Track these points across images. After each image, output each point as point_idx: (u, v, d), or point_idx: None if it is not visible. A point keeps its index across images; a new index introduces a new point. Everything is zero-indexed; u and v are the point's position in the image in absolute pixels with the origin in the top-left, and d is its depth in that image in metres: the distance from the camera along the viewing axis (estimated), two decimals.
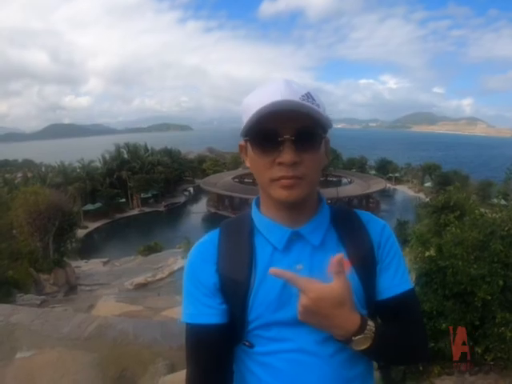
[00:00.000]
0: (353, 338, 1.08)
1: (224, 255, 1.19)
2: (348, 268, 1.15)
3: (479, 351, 4.46)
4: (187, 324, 1.17)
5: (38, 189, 20.13)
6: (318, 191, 1.26)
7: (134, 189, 55.84)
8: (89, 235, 42.73)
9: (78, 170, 53.85)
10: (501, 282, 4.30)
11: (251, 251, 1.18)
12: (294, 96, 1.05)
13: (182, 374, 5.46)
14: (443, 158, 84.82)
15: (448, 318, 4.47)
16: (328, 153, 1.23)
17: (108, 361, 5.96)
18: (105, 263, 22.46)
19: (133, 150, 62.66)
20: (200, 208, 60.79)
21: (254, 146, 1.12)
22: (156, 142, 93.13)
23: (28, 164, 51.58)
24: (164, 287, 15.72)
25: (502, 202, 52.18)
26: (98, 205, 49.96)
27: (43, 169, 52.16)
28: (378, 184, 60.93)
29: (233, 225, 1.27)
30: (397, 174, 79.80)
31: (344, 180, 71.02)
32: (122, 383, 5.48)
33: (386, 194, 65.68)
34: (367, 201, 58.36)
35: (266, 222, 1.21)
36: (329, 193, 55.97)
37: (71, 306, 11.59)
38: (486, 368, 4.71)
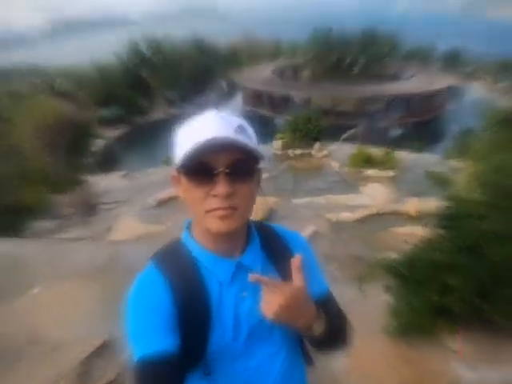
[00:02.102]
0: (313, 324, 1.40)
1: (177, 289, 1.35)
2: None
3: (487, 310, 4.67)
4: (143, 357, 1.24)
5: (42, 100, 20.19)
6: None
7: (157, 89, 55.13)
8: (108, 145, 42.77)
9: (90, 72, 52.59)
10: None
11: (202, 285, 1.37)
12: (228, 128, 1.25)
13: None
14: None
15: (458, 273, 4.62)
16: (260, 182, 1.44)
17: (120, 292, 6.31)
18: (124, 176, 22.55)
19: (153, 43, 61.34)
20: (235, 107, 59.09)
21: (188, 179, 1.32)
22: (182, 30, 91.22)
23: (33, 71, 51.05)
24: (165, 207, 15.82)
25: None
26: (115, 110, 49.11)
27: (51, 74, 51.51)
28: (444, 80, 58.61)
29: (170, 259, 1.44)
30: (468, 69, 76.91)
31: (404, 74, 67.71)
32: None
33: (454, 92, 63.75)
34: (431, 99, 56.01)
35: (206, 254, 1.42)
36: (386, 89, 54.45)
37: (88, 229, 12.04)
38: (495, 328, 4.93)
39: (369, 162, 20.37)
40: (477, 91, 69.08)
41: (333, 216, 13.32)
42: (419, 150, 27.53)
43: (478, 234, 4.60)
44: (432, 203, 15.08)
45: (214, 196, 1.28)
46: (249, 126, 1.38)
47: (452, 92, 62.31)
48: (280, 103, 54.27)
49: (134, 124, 50.65)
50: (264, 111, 53.81)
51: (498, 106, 25.78)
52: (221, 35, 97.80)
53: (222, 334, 1.37)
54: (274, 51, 78.32)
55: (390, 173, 20.04)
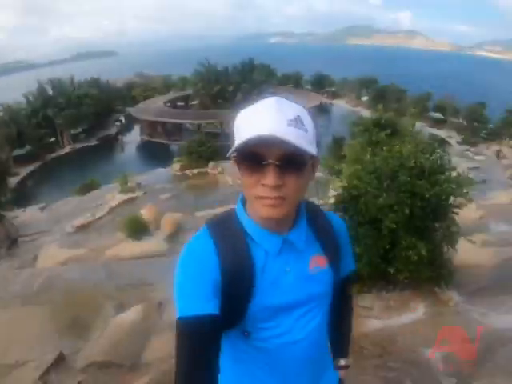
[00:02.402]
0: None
1: (225, 253, 1.30)
2: (325, 264, 1.46)
3: (392, 271, 5.13)
4: (187, 317, 1.21)
5: None
6: None
7: (63, 126, 53.58)
8: (22, 182, 41.43)
9: (1, 114, 50.87)
10: (407, 211, 4.82)
11: (249, 255, 1.33)
12: (282, 121, 1.16)
13: (130, 313, 5.98)
14: (380, 72, 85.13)
15: (361, 243, 5.11)
16: (315, 170, 1.36)
17: (60, 310, 6.44)
18: (42, 209, 21.90)
19: (57, 84, 59.60)
20: (133, 137, 59.64)
21: (241, 166, 1.24)
22: (82, 72, 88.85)
23: None
24: (105, 225, 15.79)
25: (439, 115, 54.32)
26: (27, 148, 47.87)
27: None
28: (313, 99, 60.82)
29: (222, 227, 1.38)
30: (333, 89, 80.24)
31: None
32: (77, 329, 5.90)
33: (322, 109, 66.15)
34: None
35: (256, 228, 1.35)
36: None
37: (15, 261, 11.63)
38: (400, 286, 5.46)
39: None
40: (343, 106, 72.11)
41: None
42: None
43: (375, 209, 5.07)
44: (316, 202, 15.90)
45: (263, 185, 1.20)
46: (307, 114, 1.27)
47: (321, 109, 64.74)
48: (174, 131, 54.73)
49: (44, 160, 49.17)
50: (160, 139, 53.68)
51: (363, 116, 27.04)
52: (117, 74, 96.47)
53: (260, 300, 1.33)
54: (165, 85, 78.31)
55: None
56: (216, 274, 1.26)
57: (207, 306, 1.21)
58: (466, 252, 5.88)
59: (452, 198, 5.20)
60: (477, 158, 36.50)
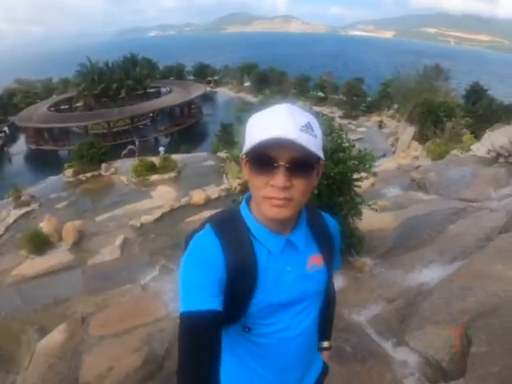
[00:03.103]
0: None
1: (230, 252, 1.34)
2: (321, 263, 1.54)
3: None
4: (191, 312, 1.24)
5: None
6: None
7: None
8: None
9: None
10: (315, 191, 5.06)
11: (253, 253, 1.38)
12: (295, 126, 1.22)
13: (54, 335, 5.85)
14: (260, 57, 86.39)
15: None
16: (320, 174, 1.42)
17: None
18: None
19: None
20: (20, 147, 56.00)
21: (252, 166, 1.29)
22: None
23: None
24: (5, 245, 14.95)
25: (320, 93, 56.34)
26: None
27: None
28: (198, 89, 60.94)
29: (227, 226, 1.43)
30: (216, 77, 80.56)
31: (163, 89, 69.73)
32: (4, 364, 5.66)
33: (207, 98, 66.30)
34: (189, 107, 58.47)
35: (259, 228, 1.41)
36: (150, 105, 55.15)
37: None
38: None
39: (151, 169, 20.95)
40: (226, 93, 72.55)
41: (135, 222, 13.61)
42: (188, 151, 28.75)
43: None
44: (213, 190, 16.27)
45: (272, 186, 1.26)
46: (317, 122, 1.33)
47: (206, 98, 64.88)
48: (61, 136, 52.43)
49: None
50: (47, 146, 51.04)
51: (247, 102, 27.30)
52: None
53: (262, 298, 1.40)
54: (47, 89, 74.93)
55: (172, 174, 20.98)
56: (222, 272, 1.31)
57: (212, 302, 1.25)
58: (368, 219, 6.26)
59: (356, 174, 5.55)
60: (359, 129, 38.60)
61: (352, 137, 26.71)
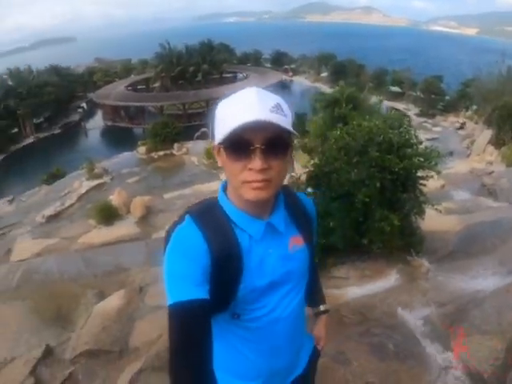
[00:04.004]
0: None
1: (213, 240, 1.36)
2: (301, 243, 1.59)
3: (365, 242, 5.28)
4: (178, 302, 1.25)
5: None
6: None
7: (25, 116, 52.15)
8: None
9: None
10: (378, 184, 4.95)
11: (235, 239, 1.40)
12: (265, 107, 1.25)
13: (112, 300, 5.98)
14: (338, 48, 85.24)
15: (335, 217, 5.22)
16: (292, 154, 1.46)
17: (42, 304, 6.33)
18: (10, 201, 21.47)
19: (16, 74, 57.86)
20: (97, 123, 58.30)
21: (228, 153, 1.31)
22: (41, 60, 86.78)
23: None
24: (75, 213, 15.52)
25: (397, 89, 54.83)
26: None
27: None
28: (274, 77, 60.83)
29: (206, 215, 1.45)
30: (293, 66, 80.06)
31: (239, 75, 70.19)
32: (61, 321, 5.83)
33: (283, 86, 66.09)
34: None
35: (239, 214, 1.44)
36: (226, 90, 55.50)
37: None
38: (374, 256, 5.59)
39: None
40: (302, 82, 72.07)
41: None
42: None
43: (348, 184, 5.16)
44: None
45: (250, 169, 1.28)
46: (284, 102, 1.37)
47: (282, 86, 64.64)
48: (136, 114, 53.84)
49: (7, 152, 47.63)
50: (123, 123, 52.86)
51: (323, 92, 26.97)
52: (77, 60, 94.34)
53: (249, 282, 1.42)
54: (126, 69, 76.96)
55: None
56: (206, 259, 1.32)
57: (198, 291, 1.26)
58: (432, 220, 6.06)
59: (421, 171, 5.35)
60: (435, 129, 37.17)
61: (427, 136, 25.91)
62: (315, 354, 1.90)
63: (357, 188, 5.09)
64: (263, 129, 1.24)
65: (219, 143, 1.32)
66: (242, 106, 1.27)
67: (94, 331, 5.24)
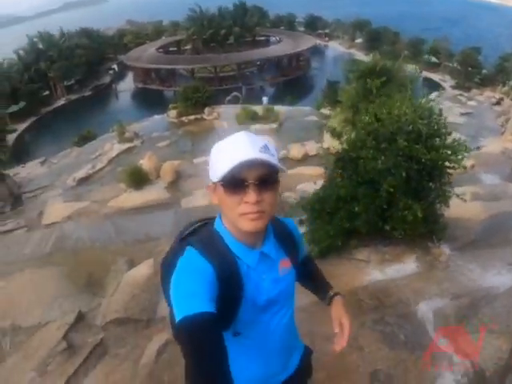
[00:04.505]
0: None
1: (217, 264, 1.52)
2: (289, 265, 1.80)
3: (388, 229, 5.31)
4: (188, 316, 1.32)
5: None
6: None
7: (56, 78, 52.58)
8: (19, 138, 40.72)
9: None
10: (404, 174, 4.95)
11: (236, 266, 1.59)
12: (255, 149, 1.45)
13: (141, 268, 6.07)
14: (373, 13, 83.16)
15: (360, 202, 5.25)
16: (279, 188, 1.63)
17: (74, 270, 6.54)
18: (42, 163, 21.66)
19: (47, 38, 58.13)
20: (127, 85, 58.65)
21: (226, 189, 1.48)
22: (71, 21, 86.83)
23: None
24: (106, 177, 15.68)
25: (433, 59, 53.38)
26: (21, 104, 46.35)
27: None
28: (307, 41, 59.43)
29: (208, 245, 1.60)
30: (327, 31, 78.61)
31: (272, 39, 68.97)
32: (92, 287, 6.02)
33: (316, 51, 65.11)
34: (297, 59, 57.44)
35: (236, 244, 1.62)
36: (258, 53, 55.13)
37: (22, 218, 11.41)
38: (395, 241, 5.62)
39: (253, 118, 20.85)
40: (336, 48, 70.91)
41: None
42: (292, 103, 28.31)
43: (374, 172, 5.18)
44: (312, 147, 15.94)
45: (246, 203, 1.47)
46: (271, 144, 1.56)
47: (315, 51, 63.74)
48: (167, 77, 53.77)
49: (39, 114, 48.28)
50: (154, 86, 52.94)
51: (357, 60, 26.51)
52: (108, 22, 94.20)
53: (248, 303, 1.59)
54: (157, 31, 76.66)
55: (273, 125, 20.55)
56: (212, 277, 1.47)
57: (206, 305, 1.35)
58: (456, 206, 5.92)
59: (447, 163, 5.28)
60: (469, 103, 35.89)
61: (461, 110, 24.69)
62: (306, 353, 2.11)
63: (382, 176, 5.13)
64: (255, 167, 1.44)
65: (219, 181, 1.48)
66: (235, 149, 1.45)
67: (123, 299, 5.37)
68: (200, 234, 1.71)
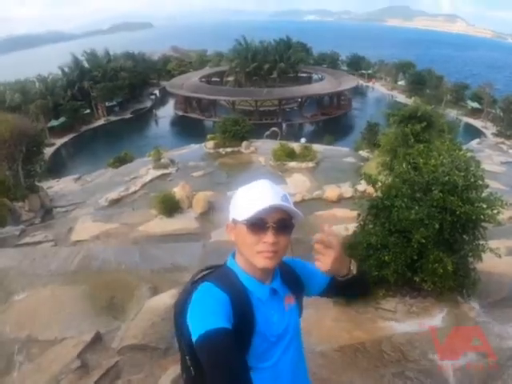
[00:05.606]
0: (351, 266, 1.87)
1: (232, 296, 1.65)
2: (293, 301, 1.91)
3: (417, 280, 5.23)
4: (207, 331, 1.47)
5: None
6: None
7: (98, 98, 54.22)
8: (57, 152, 42.04)
9: (38, 86, 51.68)
10: (437, 226, 4.87)
11: (249, 299, 1.73)
12: (277, 197, 1.65)
13: (164, 297, 6.07)
14: (418, 56, 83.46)
15: (391, 251, 5.19)
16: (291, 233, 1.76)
17: (97, 291, 6.60)
18: (76, 180, 22.08)
19: (92, 57, 60.18)
20: (167, 112, 59.88)
21: (249, 229, 1.66)
22: (117, 44, 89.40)
23: None
24: (138, 201, 15.83)
25: (475, 105, 52.96)
26: (62, 119, 48.22)
27: (1, 88, 49.69)
28: (350, 81, 60.02)
29: (224, 280, 1.74)
30: (370, 71, 79.08)
31: (315, 76, 69.96)
32: (113, 310, 6.06)
33: (358, 91, 65.38)
34: (338, 98, 57.83)
35: (248, 279, 1.77)
36: (300, 90, 55.60)
37: (50, 232, 11.79)
38: (424, 293, 5.52)
39: (290, 155, 20.86)
40: (378, 89, 71.10)
41: None
42: (330, 143, 28.35)
43: (407, 221, 5.09)
44: (347, 189, 15.86)
45: (264, 242, 1.64)
46: (287, 194, 1.74)
47: (357, 91, 63.98)
48: (208, 107, 54.78)
49: (78, 131, 49.75)
50: (194, 115, 54.07)
51: (399, 102, 26.40)
52: (153, 47, 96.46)
53: (260, 336, 1.70)
54: (201, 60, 78.17)
55: (310, 164, 20.36)
56: (228, 307, 1.60)
57: (224, 322, 1.51)
58: (489, 259, 5.78)
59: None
60: (511, 151, 35.39)
61: (501, 159, 24.17)
62: None
63: (415, 226, 5.05)
64: (277, 212, 1.65)
65: (243, 220, 1.66)
66: (261, 194, 1.67)
67: (143, 325, 5.40)
68: (213, 273, 1.84)
